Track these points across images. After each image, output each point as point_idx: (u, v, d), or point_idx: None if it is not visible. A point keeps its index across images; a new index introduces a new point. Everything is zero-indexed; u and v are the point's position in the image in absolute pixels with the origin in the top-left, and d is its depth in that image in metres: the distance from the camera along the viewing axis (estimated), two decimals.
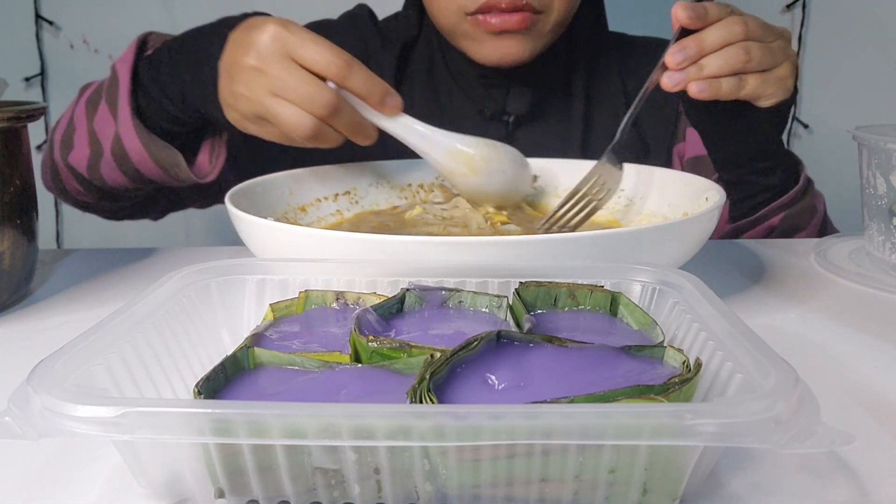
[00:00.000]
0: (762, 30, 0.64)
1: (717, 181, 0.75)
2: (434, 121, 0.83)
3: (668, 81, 0.62)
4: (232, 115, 0.63)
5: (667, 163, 0.86)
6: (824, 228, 0.77)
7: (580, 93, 0.86)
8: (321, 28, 0.91)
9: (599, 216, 0.70)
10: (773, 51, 0.64)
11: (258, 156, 0.79)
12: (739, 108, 0.66)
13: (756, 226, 0.73)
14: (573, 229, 0.64)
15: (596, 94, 0.87)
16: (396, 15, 0.92)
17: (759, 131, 0.69)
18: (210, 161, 0.73)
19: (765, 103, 0.65)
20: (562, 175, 0.74)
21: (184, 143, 0.72)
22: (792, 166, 0.74)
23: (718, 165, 0.74)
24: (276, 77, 0.58)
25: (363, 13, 0.93)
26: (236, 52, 0.60)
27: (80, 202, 0.81)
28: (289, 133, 0.59)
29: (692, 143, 0.84)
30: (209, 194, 0.85)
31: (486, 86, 0.84)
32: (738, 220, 0.75)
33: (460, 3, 0.76)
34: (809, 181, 0.75)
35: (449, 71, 0.86)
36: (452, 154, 0.65)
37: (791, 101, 0.67)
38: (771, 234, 0.73)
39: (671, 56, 0.62)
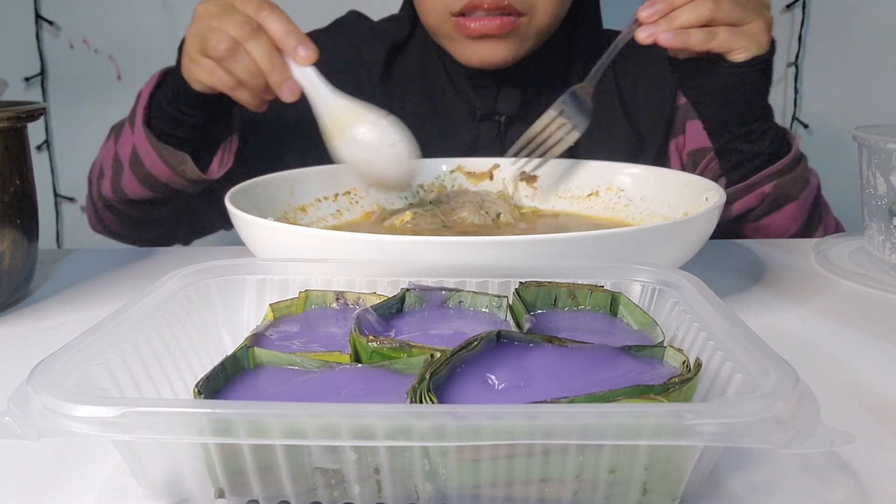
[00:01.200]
0: None
1: (714, 160, 0.76)
2: (426, 120, 0.85)
3: (641, 34, 0.66)
4: (185, 64, 0.69)
5: (662, 156, 0.87)
6: (816, 205, 0.77)
7: (569, 87, 0.86)
8: (311, 37, 0.92)
9: (599, 216, 0.70)
10: (745, 6, 0.66)
11: (267, 158, 0.81)
12: (715, 64, 0.68)
13: (748, 192, 0.73)
14: (536, 165, 0.70)
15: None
16: (393, 16, 0.93)
17: (739, 88, 0.70)
18: (219, 166, 0.77)
19: (737, 57, 0.67)
20: (556, 174, 0.74)
21: (193, 150, 0.77)
22: (782, 136, 0.75)
23: (709, 132, 0.75)
24: (211, 17, 0.65)
25: (350, 19, 0.94)
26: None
27: (118, 233, 0.88)
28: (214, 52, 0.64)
29: (692, 135, 0.84)
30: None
31: (476, 86, 0.85)
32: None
33: (445, 2, 0.77)
34: (803, 155, 0.75)
35: (445, 70, 0.87)
36: (330, 112, 0.64)
37: (766, 57, 0.69)
38: (763, 202, 0.73)
39: (643, 11, 0.66)
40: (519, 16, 0.76)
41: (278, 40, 0.64)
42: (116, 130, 0.81)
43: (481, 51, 0.78)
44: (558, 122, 0.71)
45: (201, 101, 0.71)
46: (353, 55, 0.89)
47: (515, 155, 0.72)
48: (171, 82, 0.73)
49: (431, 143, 0.75)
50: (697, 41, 0.65)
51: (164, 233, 0.87)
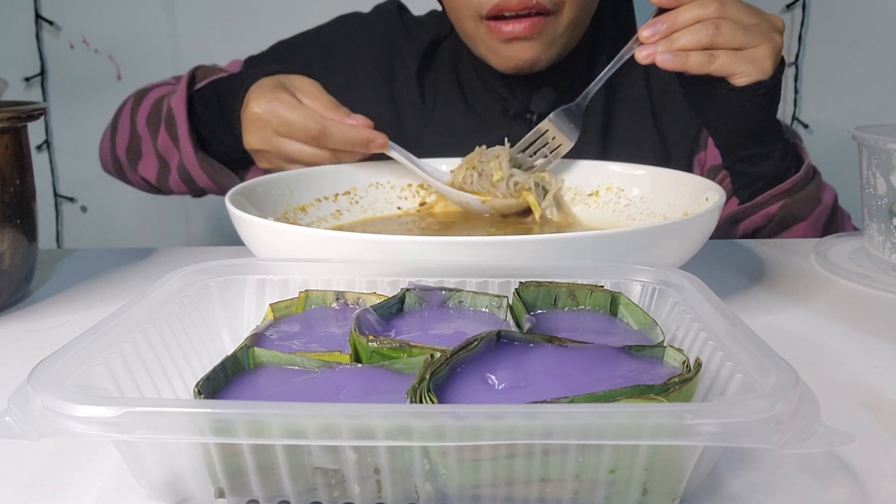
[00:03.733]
0: (740, 11, 0.66)
1: (727, 177, 0.76)
2: (459, 117, 0.87)
3: (639, 54, 0.65)
4: (262, 164, 0.76)
5: (687, 170, 0.86)
6: (832, 222, 0.76)
7: (603, 90, 0.85)
8: (350, 21, 0.96)
9: (599, 216, 0.70)
10: (750, 31, 0.65)
11: None
12: (715, 85, 0.67)
13: (754, 213, 0.73)
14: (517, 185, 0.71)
15: (620, 92, 0.87)
16: (433, 12, 0.94)
17: (740, 111, 0.69)
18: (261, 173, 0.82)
19: (739, 81, 0.66)
20: (575, 175, 0.74)
21: (240, 164, 0.82)
22: (792, 155, 0.74)
23: (719, 149, 0.75)
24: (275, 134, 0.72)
25: (392, 7, 0.95)
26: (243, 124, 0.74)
27: (142, 188, 0.93)
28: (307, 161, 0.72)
29: (712, 151, 0.83)
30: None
31: (510, 86, 0.85)
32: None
33: (474, 5, 0.77)
34: (815, 172, 0.74)
35: (475, 70, 0.88)
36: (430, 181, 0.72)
37: (771, 83, 0.68)
38: (770, 222, 0.73)
39: (643, 30, 0.66)
40: (547, 14, 0.76)
41: (347, 151, 0.70)
42: (151, 122, 0.83)
43: (513, 55, 0.79)
44: (545, 139, 0.72)
45: None
46: (390, 46, 0.91)
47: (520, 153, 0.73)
48: (214, 121, 0.78)
49: (464, 140, 0.77)
50: (696, 64, 0.64)
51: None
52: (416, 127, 0.88)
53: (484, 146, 0.74)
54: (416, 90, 0.89)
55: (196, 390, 0.30)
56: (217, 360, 0.32)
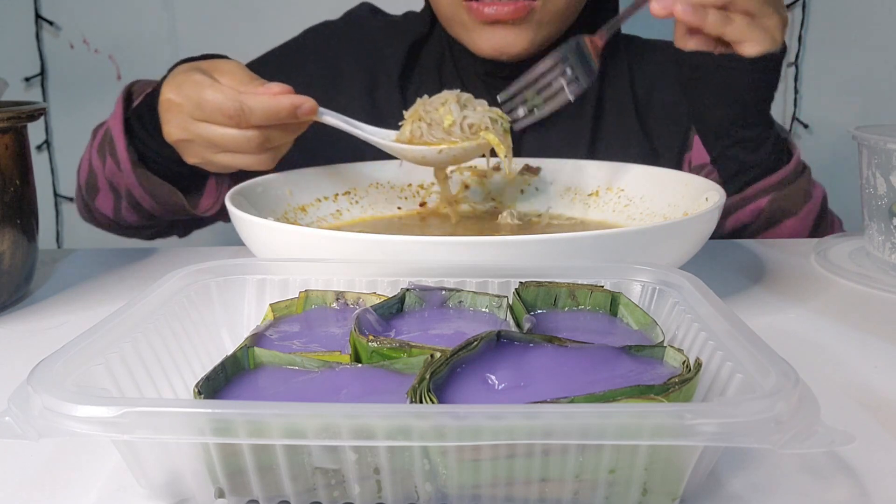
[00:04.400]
0: None
1: (712, 173, 0.74)
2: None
3: (657, 4, 0.63)
4: (190, 159, 0.67)
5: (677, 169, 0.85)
6: (822, 221, 0.75)
7: (589, 94, 0.84)
8: (321, 31, 0.91)
9: (599, 216, 0.70)
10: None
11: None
12: (724, 59, 0.66)
13: (743, 206, 0.72)
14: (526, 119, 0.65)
15: (605, 96, 0.85)
16: (410, 13, 0.91)
17: (744, 86, 0.68)
18: (215, 198, 0.76)
19: (749, 49, 0.65)
20: (575, 175, 0.74)
21: (189, 183, 0.75)
22: (782, 145, 0.73)
23: (704, 138, 0.74)
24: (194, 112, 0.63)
25: (363, 12, 0.92)
26: (160, 114, 0.66)
27: (114, 230, 0.85)
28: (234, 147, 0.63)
29: (697, 150, 0.82)
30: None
31: (488, 84, 0.83)
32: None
33: None
34: (805, 167, 0.74)
35: (456, 69, 0.86)
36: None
37: (777, 56, 0.67)
38: (759, 217, 0.72)
39: None
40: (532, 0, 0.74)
41: (274, 122, 0.62)
42: (101, 151, 0.77)
43: (495, 38, 0.76)
44: (557, 72, 0.66)
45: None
46: (369, 51, 0.88)
47: (507, 101, 0.67)
48: (151, 136, 0.70)
49: None
50: (713, 22, 0.63)
51: (162, 230, 0.86)
52: None
53: (426, 95, 0.67)
54: (398, 93, 0.86)
55: (196, 390, 0.30)
56: (217, 360, 0.32)
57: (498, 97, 0.68)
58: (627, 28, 0.89)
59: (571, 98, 0.66)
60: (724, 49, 0.67)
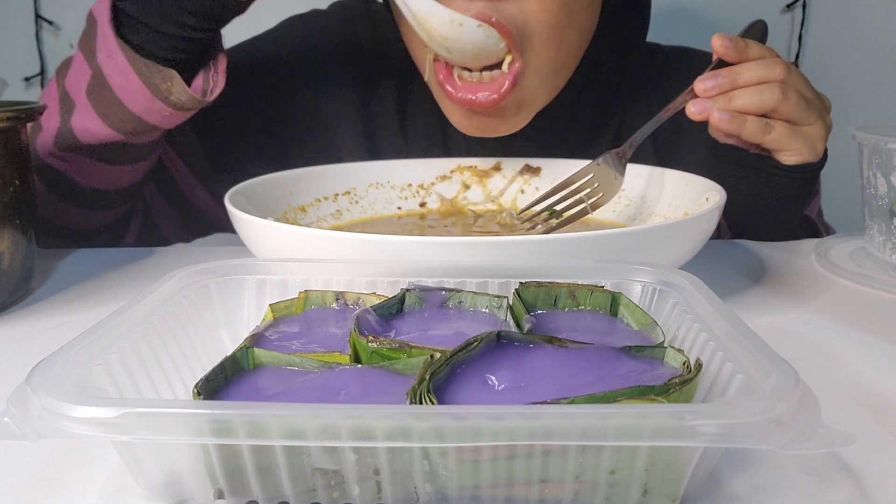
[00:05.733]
0: (802, 82, 0.61)
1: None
2: (438, 136, 0.80)
3: (694, 108, 0.59)
4: None
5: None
6: (811, 230, 0.75)
7: (594, 100, 0.80)
8: (310, 20, 0.84)
9: (599, 216, 0.70)
10: (809, 105, 0.60)
11: (233, 152, 0.77)
12: (761, 160, 0.63)
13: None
14: (552, 228, 0.61)
15: (614, 104, 0.81)
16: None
17: (776, 193, 0.64)
18: (210, 89, 0.66)
19: (788, 159, 0.61)
20: (564, 174, 0.73)
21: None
22: (805, 228, 0.71)
23: (730, 223, 0.70)
24: None
25: (357, 5, 0.84)
26: None
27: (49, 222, 0.71)
28: None
29: None
30: (188, 218, 0.81)
31: (482, 145, 0.76)
32: None
33: (423, 46, 0.63)
34: (815, 225, 0.73)
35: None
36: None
37: (817, 167, 0.64)
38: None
39: (701, 83, 0.59)
40: (516, 56, 0.62)
41: None
42: (59, 70, 0.67)
43: (478, 124, 0.67)
44: (587, 183, 0.62)
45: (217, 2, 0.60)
46: (354, 47, 0.81)
47: (529, 208, 0.64)
48: None
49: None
50: (752, 130, 0.58)
51: (108, 228, 0.76)
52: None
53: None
54: (396, 125, 0.78)
55: (195, 391, 0.30)
56: (216, 361, 0.32)
57: (520, 210, 0.65)
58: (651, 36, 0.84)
59: (591, 212, 0.62)
60: (760, 150, 0.62)
